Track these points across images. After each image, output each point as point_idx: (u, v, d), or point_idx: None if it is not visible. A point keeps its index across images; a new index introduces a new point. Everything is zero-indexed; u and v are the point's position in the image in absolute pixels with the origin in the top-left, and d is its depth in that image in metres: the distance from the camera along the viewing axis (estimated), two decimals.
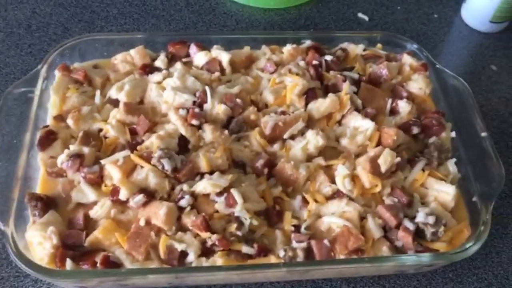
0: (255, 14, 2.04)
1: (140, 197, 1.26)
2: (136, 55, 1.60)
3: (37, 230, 1.22)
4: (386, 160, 1.34)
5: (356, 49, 1.70)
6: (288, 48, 1.64)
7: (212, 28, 1.97)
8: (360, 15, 2.08)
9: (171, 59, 1.64)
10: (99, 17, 1.96)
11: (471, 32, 2.07)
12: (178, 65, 1.59)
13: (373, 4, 2.14)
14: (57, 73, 1.53)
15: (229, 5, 2.06)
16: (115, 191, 1.29)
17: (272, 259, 1.22)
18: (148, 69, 1.58)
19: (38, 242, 1.21)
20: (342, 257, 1.24)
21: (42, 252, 1.21)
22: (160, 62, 1.60)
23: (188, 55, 1.65)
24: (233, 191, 1.26)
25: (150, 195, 1.28)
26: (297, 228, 1.29)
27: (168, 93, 1.47)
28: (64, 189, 1.34)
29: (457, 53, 2.00)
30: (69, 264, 1.18)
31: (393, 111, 1.54)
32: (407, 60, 1.65)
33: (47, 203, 1.29)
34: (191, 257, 1.21)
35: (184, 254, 1.22)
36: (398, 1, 2.16)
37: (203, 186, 1.28)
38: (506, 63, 1.96)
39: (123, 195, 1.27)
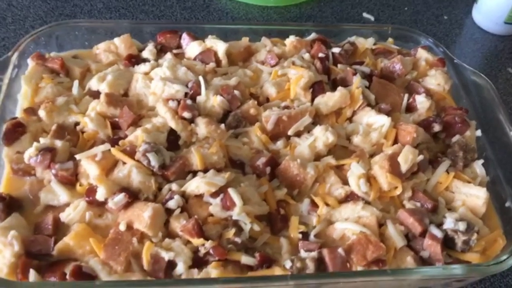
0: (252, 12, 1.90)
1: (121, 197, 1.07)
2: (121, 44, 1.44)
3: None
4: (407, 158, 1.18)
5: (365, 43, 1.55)
6: (291, 40, 1.48)
7: None
8: (365, 14, 1.94)
9: (160, 51, 1.47)
10: (82, 11, 1.80)
11: (484, 34, 1.93)
12: (168, 56, 1.42)
13: (379, 4, 2.00)
14: (30, 62, 1.37)
15: (224, 1, 1.91)
16: (91, 190, 1.11)
17: (277, 271, 1.05)
18: (135, 60, 1.41)
19: None
20: (359, 268, 1.06)
21: (1, 261, 1.04)
22: (148, 52, 1.43)
23: (179, 46, 1.48)
24: (231, 191, 1.09)
25: (133, 195, 1.10)
26: (305, 235, 1.12)
27: (156, 83, 1.30)
28: (32, 189, 1.17)
29: (470, 55, 1.86)
30: (32, 275, 1.02)
31: (409, 108, 1.38)
32: (423, 54, 1.50)
33: (10, 205, 1.12)
34: (180, 268, 1.04)
35: (172, 264, 1.05)
36: (405, 1, 2.03)
37: (195, 185, 1.10)
38: None
39: (100, 194, 1.09)
